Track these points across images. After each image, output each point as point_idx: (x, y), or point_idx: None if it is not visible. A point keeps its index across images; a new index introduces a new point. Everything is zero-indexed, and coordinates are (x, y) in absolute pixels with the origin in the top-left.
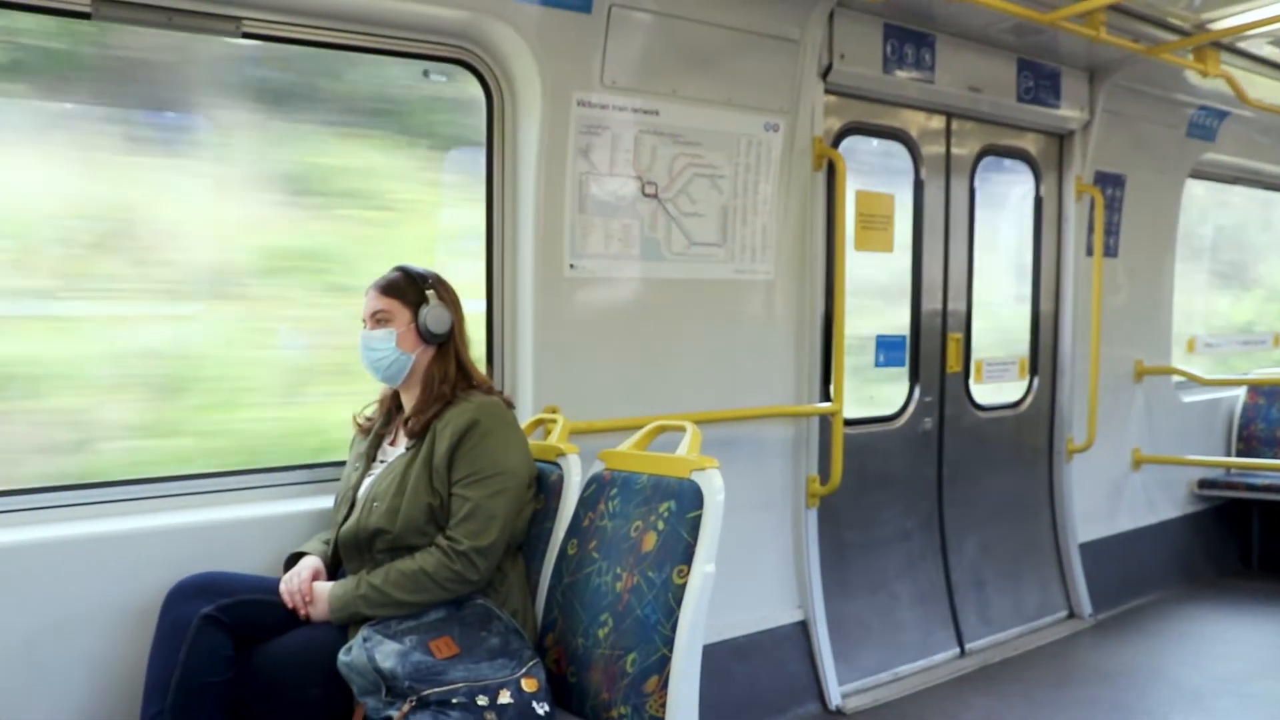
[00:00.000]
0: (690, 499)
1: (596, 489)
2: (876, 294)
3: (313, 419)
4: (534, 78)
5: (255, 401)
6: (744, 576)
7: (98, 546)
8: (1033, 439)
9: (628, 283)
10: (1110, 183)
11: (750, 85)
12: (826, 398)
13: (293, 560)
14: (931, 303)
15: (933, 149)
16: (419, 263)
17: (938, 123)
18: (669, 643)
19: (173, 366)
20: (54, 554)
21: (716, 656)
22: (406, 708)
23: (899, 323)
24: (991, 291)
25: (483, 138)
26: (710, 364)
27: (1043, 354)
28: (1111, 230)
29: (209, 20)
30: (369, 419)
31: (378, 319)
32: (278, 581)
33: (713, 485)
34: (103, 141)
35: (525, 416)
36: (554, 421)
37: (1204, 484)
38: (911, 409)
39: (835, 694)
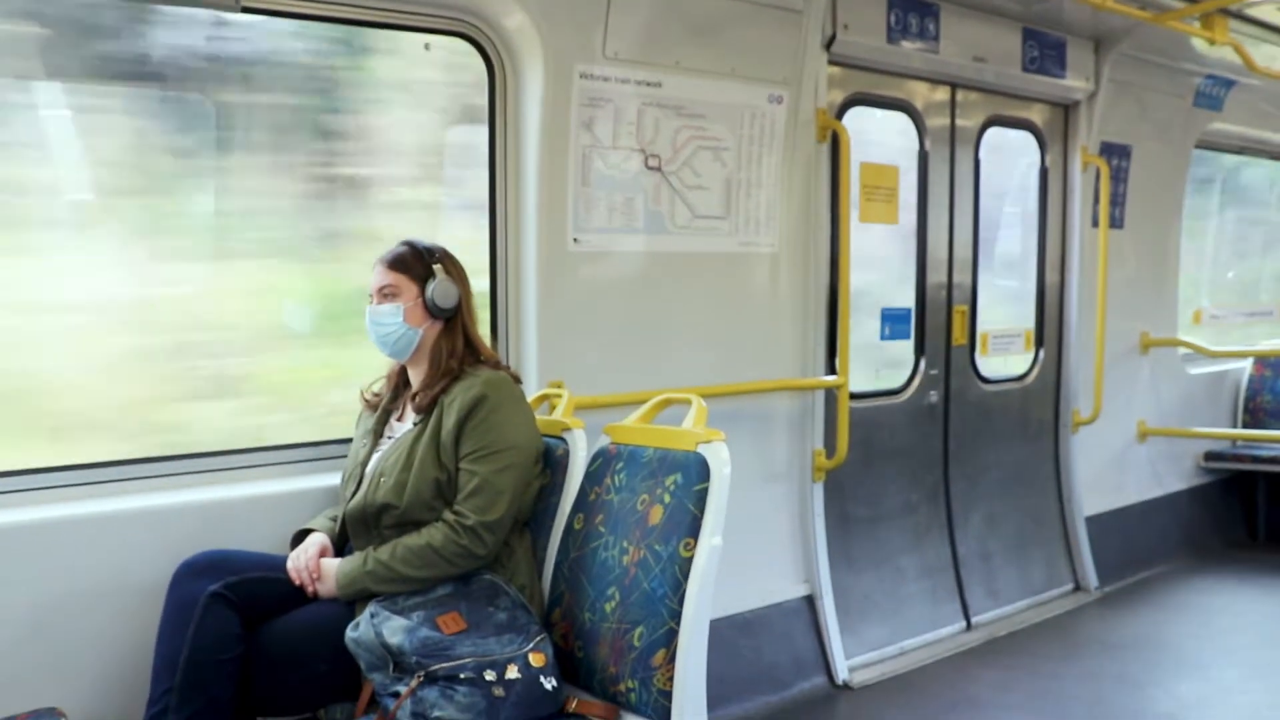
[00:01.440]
0: (696, 472)
1: (602, 463)
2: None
3: None
4: (536, 51)
5: None
6: (750, 551)
7: (105, 525)
8: (1039, 412)
9: (631, 256)
10: (1116, 153)
11: (753, 57)
12: (832, 371)
13: (300, 537)
14: (937, 275)
15: (937, 120)
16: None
17: (942, 94)
18: (676, 616)
19: None
20: (62, 533)
21: (723, 631)
22: (414, 683)
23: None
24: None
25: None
26: (715, 337)
27: (1048, 326)
28: (1117, 201)
29: None
30: (376, 394)
31: (385, 294)
32: (285, 559)
33: (719, 458)
34: None
35: (530, 391)
36: (559, 396)
37: (1210, 456)
38: (917, 382)
39: (842, 668)
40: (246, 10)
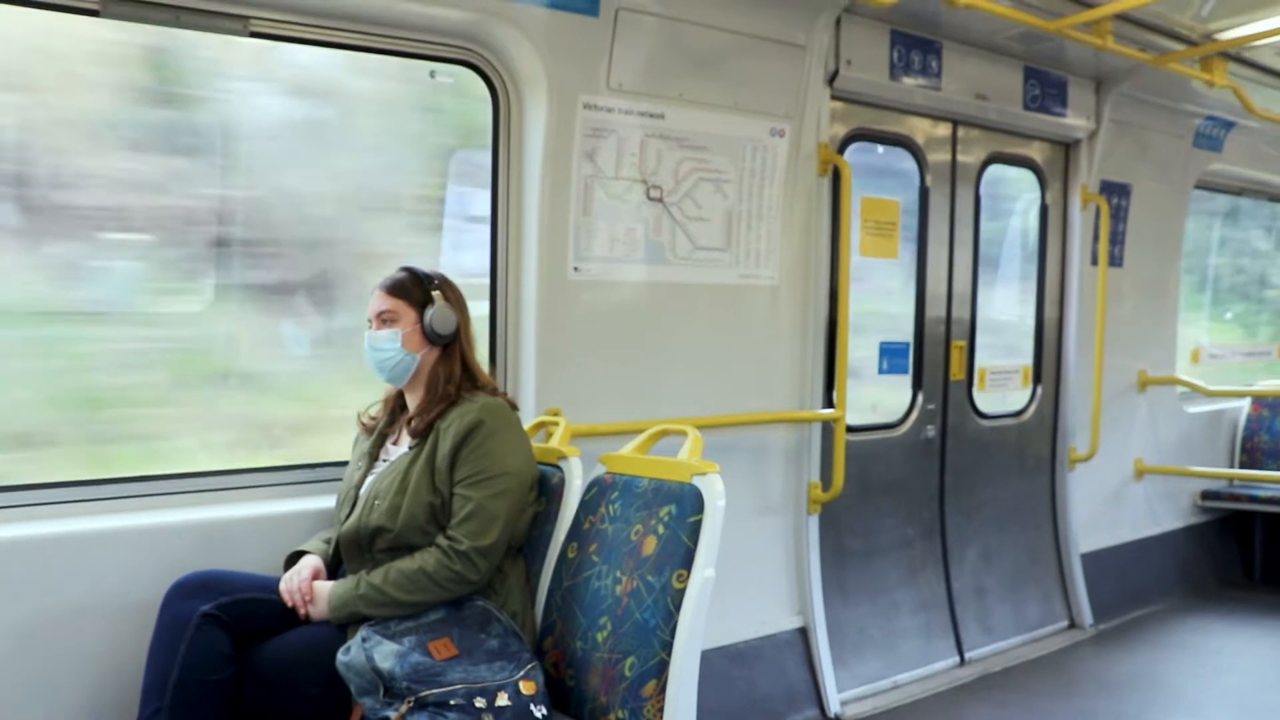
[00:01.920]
0: (691, 503)
1: (598, 492)
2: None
3: None
4: (540, 80)
5: None
6: (744, 582)
7: (98, 542)
8: (1035, 448)
9: (631, 286)
10: (1116, 192)
11: (756, 90)
12: (829, 404)
13: (293, 559)
14: (935, 310)
15: (938, 156)
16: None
17: (944, 130)
18: (668, 647)
19: None
20: (54, 549)
21: (716, 662)
22: (404, 708)
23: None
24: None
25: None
26: (713, 369)
27: (1046, 363)
28: (1117, 240)
29: (216, 19)
30: (373, 418)
31: (383, 319)
32: (278, 580)
33: (714, 490)
34: None
35: (527, 419)
36: (556, 424)
37: (1207, 495)
38: (914, 416)
39: (834, 701)
40: (255, 35)
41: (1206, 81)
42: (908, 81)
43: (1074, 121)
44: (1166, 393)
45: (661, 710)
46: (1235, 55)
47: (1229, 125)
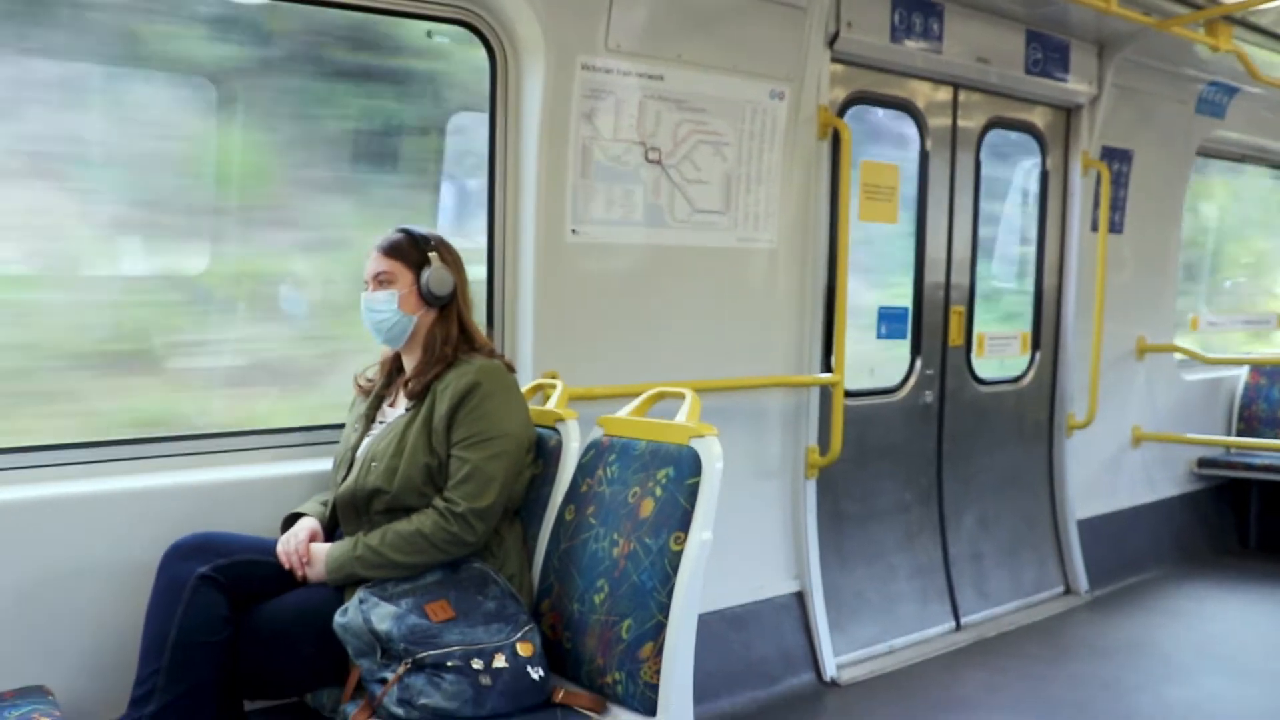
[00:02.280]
0: (689, 466)
1: (595, 455)
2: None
3: None
4: (538, 41)
5: None
6: (741, 546)
7: (95, 505)
8: (1033, 414)
9: (630, 249)
10: (1117, 158)
11: (756, 52)
12: (827, 368)
13: (290, 521)
14: (934, 275)
15: (939, 120)
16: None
17: (944, 94)
18: (664, 610)
19: None
20: (51, 512)
21: (712, 625)
22: (401, 670)
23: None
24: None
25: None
26: (711, 332)
27: (1045, 329)
28: (1117, 206)
29: None
30: (370, 380)
31: (380, 280)
32: (275, 542)
33: (711, 452)
34: None
35: (525, 382)
36: (553, 387)
37: (1204, 463)
38: (913, 382)
39: (830, 665)
40: None
41: (1211, 46)
42: (909, 44)
43: (1076, 86)
44: (1165, 360)
45: (658, 672)
46: (1240, 19)
47: (1232, 91)
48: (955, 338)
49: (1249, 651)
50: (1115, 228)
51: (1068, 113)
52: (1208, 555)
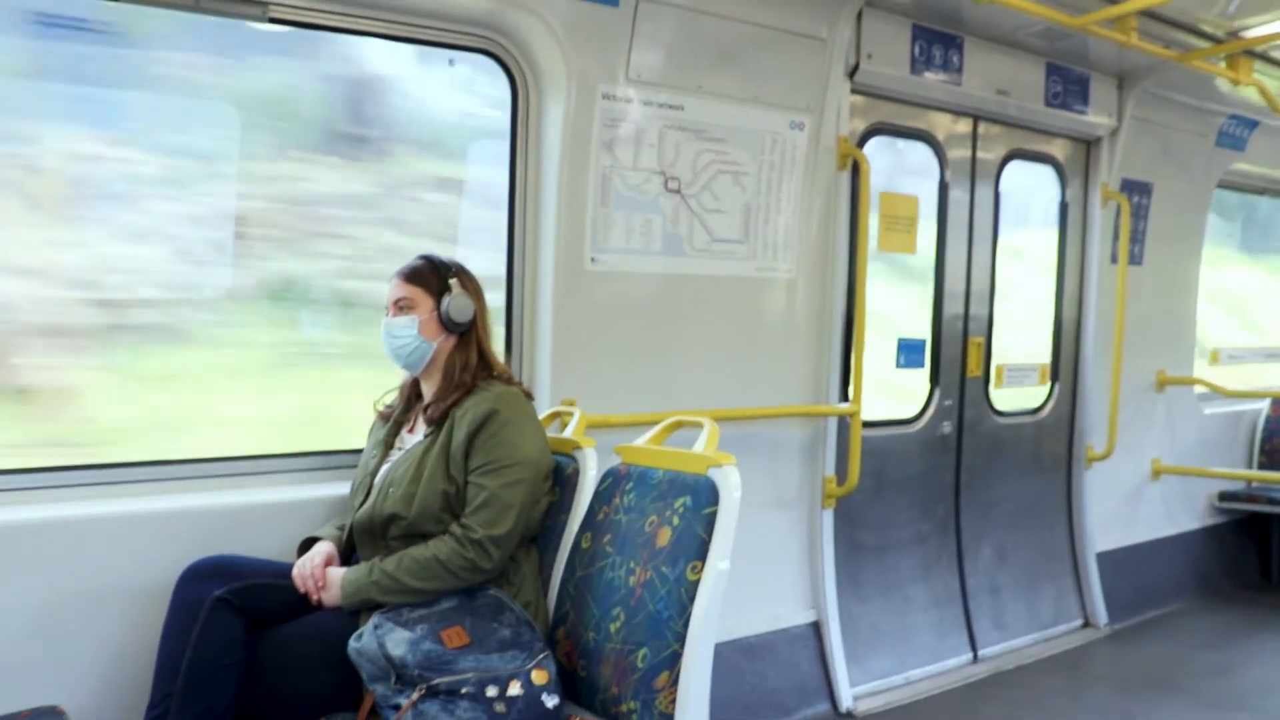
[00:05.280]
0: (706, 495)
1: (612, 483)
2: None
3: None
4: (559, 70)
5: None
6: (758, 575)
7: (113, 526)
8: (1052, 446)
9: (648, 278)
10: (1137, 190)
11: (776, 83)
12: (845, 398)
13: (306, 545)
14: (953, 306)
15: (958, 152)
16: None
17: (964, 126)
18: (681, 639)
19: None
20: (69, 532)
21: (728, 655)
22: (416, 696)
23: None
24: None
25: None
26: (729, 361)
27: (1064, 361)
28: (1137, 238)
29: (235, 4)
30: (389, 406)
31: (400, 306)
32: (291, 566)
33: (729, 482)
34: None
35: (543, 409)
36: (571, 414)
37: (1224, 496)
38: (931, 412)
39: (846, 696)
40: (274, 21)
41: (1232, 79)
42: (929, 76)
43: (1096, 119)
44: (1185, 393)
45: (674, 702)
46: (1261, 53)
47: (1253, 125)
48: (974, 368)
49: (1271, 688)
50: (1135, 260)
51: (1087, 145)
52: (1228, 589)
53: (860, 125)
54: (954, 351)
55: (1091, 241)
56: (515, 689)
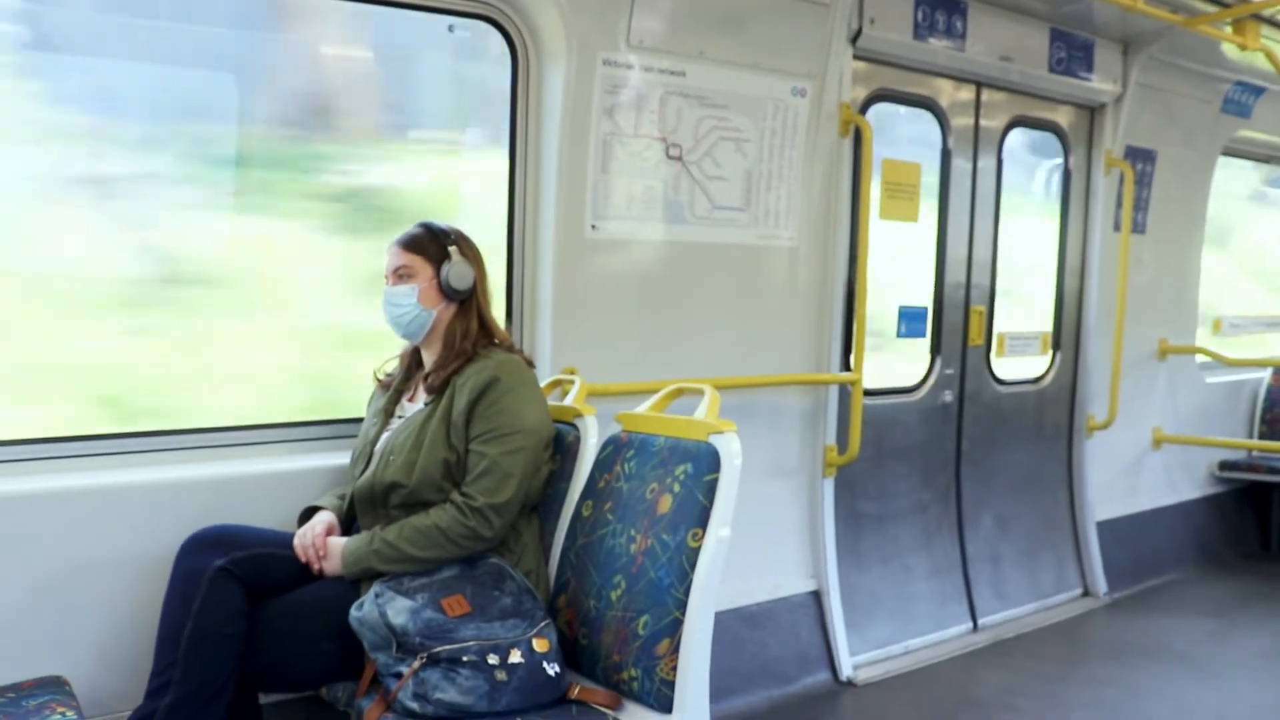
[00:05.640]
0: (707, 462)
1: (613, 450)
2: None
3: None
4: (560, 36)
5: None
6: (758, 544)
7: (114, 496)
8: (1053, 415)
9: (649, 245)
10: (1141, 158)
11: (778, 49)
12: (846, 367)
13: (307, 515)
14: (955, 275)
15: (961, 119)
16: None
17: (967, 92)
18: (681, 606)
19: None
20: (70, 503)
21: (728, 623)
22: (417, 664)
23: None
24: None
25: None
26: (730, 329)
27: (1066, 329)
28: (1140, 206)
29: None
30: (389, 375)
31: (400, 275)
32: (291, 536)
33: (730, 449)
34: None
35: (543, 377)
36: (572, 383)
37: (1225, 465)
38: (932, 381)
39: (847, 664)
40: None
41: (1238, 44)
42: (931, 42)
43: (1100, 85)
44: (1186, 362)
45: (674, 669)
46: (1269, 18)
47: (1259, 91)
48: (975, 337)
49: (1269, 656)
50: (1138, 228)
51: (1091, 112)
52: (1228, 558)
53: (862, 92)
54: (955, 320)
55: (1094, 209)
56: (516, 657)
